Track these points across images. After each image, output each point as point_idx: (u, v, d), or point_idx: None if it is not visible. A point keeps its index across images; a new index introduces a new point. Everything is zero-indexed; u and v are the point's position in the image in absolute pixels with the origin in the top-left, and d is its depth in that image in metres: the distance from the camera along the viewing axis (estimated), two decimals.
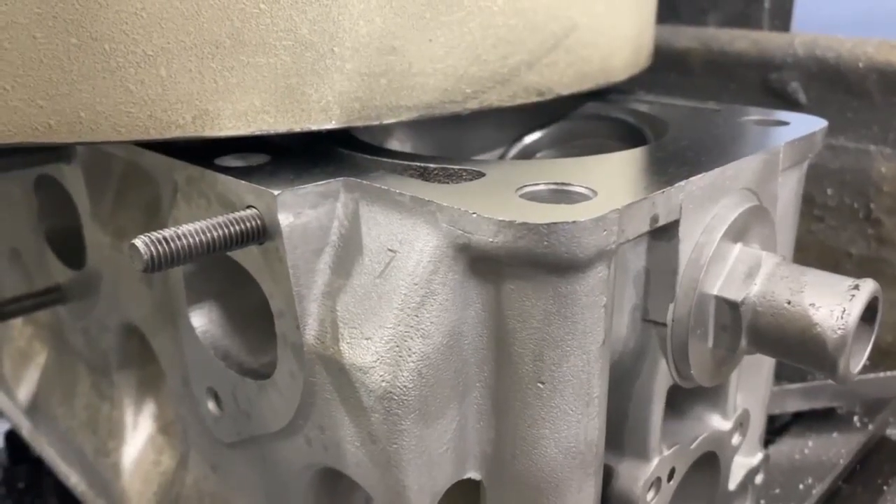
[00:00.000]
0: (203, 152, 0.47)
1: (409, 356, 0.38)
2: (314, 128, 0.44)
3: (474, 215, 0.36)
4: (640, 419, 0.47)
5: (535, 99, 0.54)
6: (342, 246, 0.42)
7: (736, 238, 0.46)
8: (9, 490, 1.14)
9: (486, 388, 0.41)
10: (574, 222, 0.35)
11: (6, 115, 0.42)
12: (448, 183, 0.42)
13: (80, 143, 0.43)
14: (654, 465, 0.48)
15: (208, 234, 0.40)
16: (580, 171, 0.43)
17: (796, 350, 0.43)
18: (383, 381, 0.39)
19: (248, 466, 0.52)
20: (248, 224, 0.41)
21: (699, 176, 0.42)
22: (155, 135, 0.43)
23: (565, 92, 0.55)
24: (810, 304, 0.42)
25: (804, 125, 0.54)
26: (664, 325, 0.44)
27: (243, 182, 0.42)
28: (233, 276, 0.51)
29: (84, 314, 0.65)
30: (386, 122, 0.46)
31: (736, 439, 0.57)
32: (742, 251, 0.46)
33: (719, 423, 0.55)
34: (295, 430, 0.46)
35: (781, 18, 1.07)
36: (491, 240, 0.36)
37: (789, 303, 0.43)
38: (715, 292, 0.45)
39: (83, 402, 0.70)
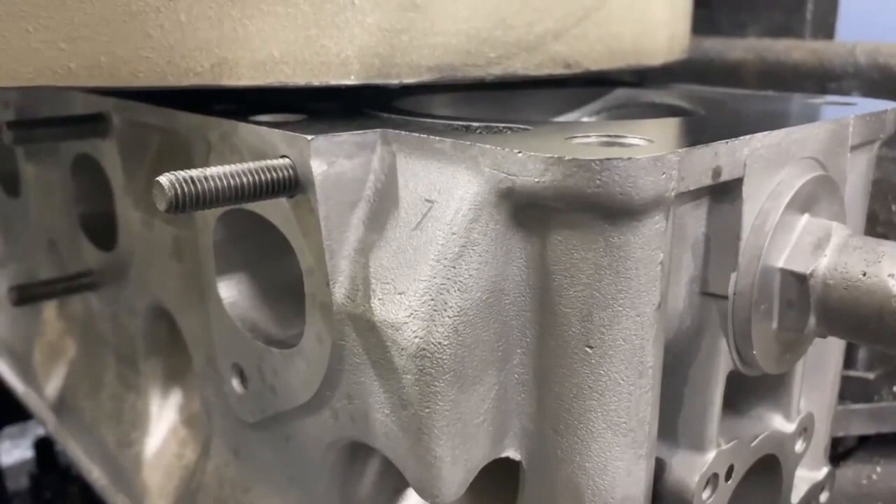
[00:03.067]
0: (238, 115, 0.45)
1: (445, 310, 0.35)
2: (333, 82, 0.43)
3: (520, 154, 0.34)
4: (696, 406, 0.43)
5: (562, 71, 0.52)
6: (377, 201, 0.40)
7: (803, 208, 0.42)
8: (35, 499, 1.12)
9: (528, 353, 0.37)
10: (630, 159, 0.32)
11: (27, 56, 0.41)
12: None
13: (98, 87, 0.43)
14: (711, 458, 0.44)
15: (237, 179, 0.37)
16: (635, 128, 0.40)
17: (873, 327, 0.39)
18: (416, 336, 0.36)
19: (271, 449, 0.49)
20: (279, 173, 0.39)
21: (764, 134, 0.39)
22: (173, 81, 0.42)
23: (594, 67, 0.54)
24: (889, 275, 0.38)
25: (874, 105, 0.51)
26: (725, 298, 0.40)
27: (276, 130, 0.39)
28: (263, 246, 0.49)
29: (114, 298, 0.63)
30: (407, 81, 0.45)
31: (799, 446, 0.52)
32: (809, 221, 0.42)
33: (781, 423, 0.50)
34: (321, 403, 0.43)
35: (824, 30, 1.03)
36: (537, 180, 0.33)
37: (864, 274, 0.39)
38: (780, 265, 0.41)
39: (109, 392, 0.68)
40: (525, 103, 0.63)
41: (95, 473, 0.67)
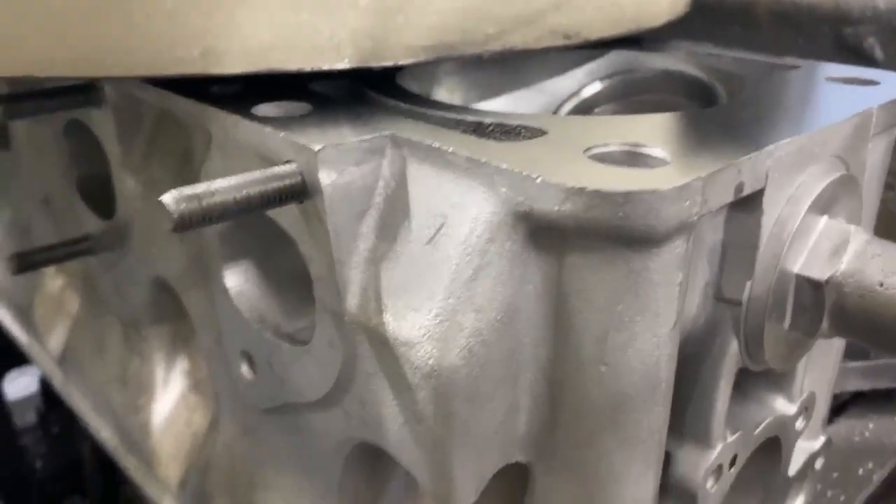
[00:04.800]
0: (238, 101, 0.44)
1: (460, 332, 0.35)
2: (325, 67, 0.42)
3: (539, 180, 0.32)
4: (704, 403, 0.43)
5: (561, 42, 0.50)
6: (387, 208, 0.38)
7: (822, 210, 0.41)
8: (44, 433, 1.15)
9: (541, 369, 0.37)
10: (654, 191, 0.31)
11: (10, 47, 0.40)
12: (506, 141, 0.38)
13: (83, 77, 0.42)
14: (716, 452, 0.44)
15: (244, 192, 0.36)
16: (654, 131, 0.39)
17: (889, 337, 0.39)
18: (430, 357, 0.35)
19: (282, 433, 0.50)
20: (287, 181, 0.37)
21: (788, 140, 0.38)
22: (160, 71, 0.41)
23: (594, 36, 0.52)
24: None
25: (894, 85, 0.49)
26: (739, 303, 0.40)
27: (282, 134, 0.38)
28: (270, 233, 0.48)
29: (113, 265, 0.63)
30: (402, 62, 0.43)
31: (800, 424, 0.53)
32: (828, 225, 0.41)
33: (784, 406, 0.51)
34: (333, 402, 0.43)
35: None
36: (557, 208, 0.32)
37: (882, 285, 0.39)
38: (796, 270, 0.40)
39: (114, 355, 0.68)
40: (532, 66, 0.61)
41: (105, 433, 0.68)
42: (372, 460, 0.46)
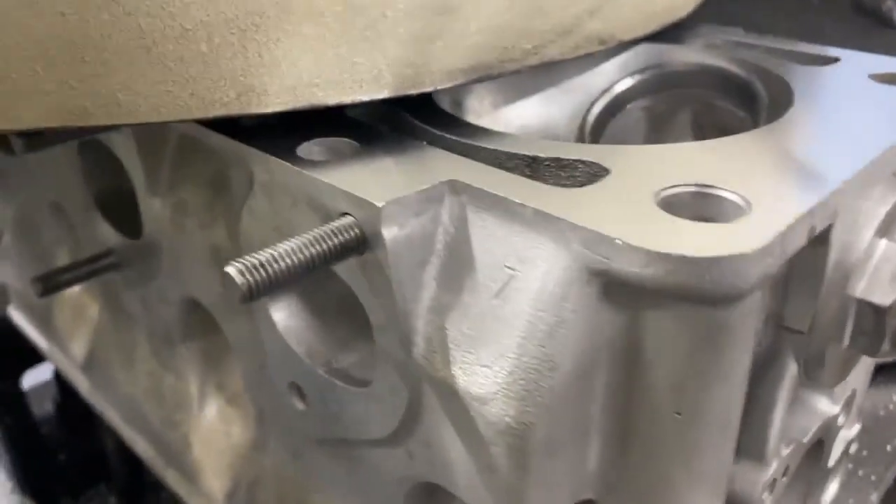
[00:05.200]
0: (275, 136, 0.42)
1: (537, 390, 0.35)
2: (365, 98, 0.41)
3: (618, 242, 0.32)
4: (762, 424, 0.44)
5: (596, 48, 0.49)
6: (448, 256, 0.38)
7: (882, 232, 0.41)
8: (63, 423, 1.15)
9: (614, 416, 0.37)
10: (741, 255, 0.31)
11: (39, 99, 0.38)
12: (567, 183, 0.37)
13: (118, 125, 0.40)
14: (772, 468, 0.45)
15: (307, 252, 0.35)
16: (720, 165, 0.38)
17: None
18: (506, 415, 0.35)
19: (336, 462, 0.50)
20: (346, 236, 0.36)
21: (856, 173, 0.37)
22: (198, 114, 0.40)
23: (628, 37, 0.52)
24: None
25: None
26: (802, 332, 0.40)
27: (340, 189, 0.37)
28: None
29: (141, 283, 0.62)
30: (441, 87, 0.42)
31: (841, 420, 0.54)
32: (888, 248, 0.41)
33: (828, 407, 0.51)
34: (395, 443, 0.43)
35: None
36: (639, 271, 0.32)
37: None
38: (858, 294, 0.40)
39: (145, 368, 0.67)
40: (562, 65, 0.59)
41: (141, 446, 0.68)
42: (433, 496, 0.46)
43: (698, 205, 0.35)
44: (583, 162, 0.39)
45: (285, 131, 0.43)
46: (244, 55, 0.39)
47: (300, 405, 0.49)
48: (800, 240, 0.34)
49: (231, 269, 0.33)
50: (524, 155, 0.40)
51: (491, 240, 0.36)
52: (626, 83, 0.59)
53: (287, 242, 0.35)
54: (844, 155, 0.38)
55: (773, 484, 0.46)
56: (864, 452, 0.67)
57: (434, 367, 0.37)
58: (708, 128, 0.59)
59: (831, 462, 0.57)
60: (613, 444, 0.38)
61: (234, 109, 0.40)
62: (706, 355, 0.34)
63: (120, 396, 0.71)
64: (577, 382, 0.35)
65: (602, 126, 0.59)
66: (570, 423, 0.36)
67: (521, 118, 0.58)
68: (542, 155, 0.40)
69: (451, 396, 0.37)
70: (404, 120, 0.45)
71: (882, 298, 0.40)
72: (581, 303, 0.34)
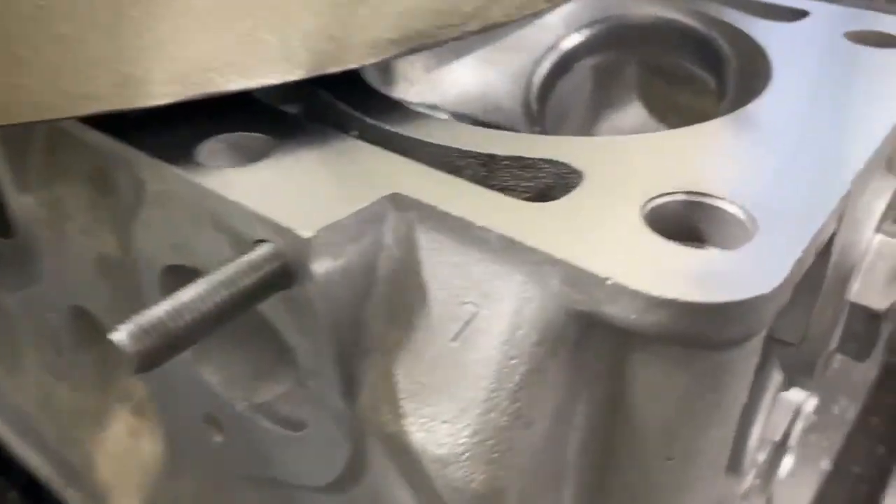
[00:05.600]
0: (168, 130, 0.34)
1: (509, 451, 0.29)
2: (275, 82, 0.33)
3: (609, 283, 0.26)
4: (742, 439, 0.40)
5: (543, 6, 0.42)
6: (395, 285, 0.31)
7: (877, 228, 0.36)
8: None
9: (594, 462, 0.32)
10: (757, 297, 0.25)
11: None
12: (531, 186, 0.31)
13: None
14: (750, 478, 0.41)
15: (217, 299, 0.28)
16: (711, 164, 0.32)
17: None
18: (473, 481, 0.29)
19: (267, 498, 0.43)
20: (266, 269, 0.29)
21: (857, 174, 0.32)
22: (68, 111, 0.31)
23: None
24: None
25: None
26: (794, 345, 0.36)
27: (254, 212, 0.29)
28: None
29: (20, 287, 0.52)
30: (368, 62, 0.35)
31: (807, 403, 0.51)
32: (883, 244, 0.36)
33: (798, 396, 0.48)
34: (336, 490, 0.37)
35: None
36: (635, 318, 0.26)
37: None
38: (851, 297, 0.36)
39: (33, 379, 0.58)
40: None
41: (35, 462, 0.60)
42: None
43: (694, 218, 0.30)
44: (548, 161, 0.33)
45: (182, 125, 0.35)
46: (118, 37, 0.31)
47: (219, 437, 0.42)
48: (810, 258, 0.29)
49: (119, 336, 0.26)
50: (477, 153, 0.33)
51: (446, 268, 0.30)
52: (575, 39, 0.52)
53: (190, 289, 0.28)
54: (847, 146, 0.33)
55: (748, 490, 0.42)
56: (814, 417, 0.65)
57: (381, 421, 0.31)
58: (663, 88, 0.53)
59: (793, 442, 0.54)
60: (592, 491, 0.33)
61: (113, 104, 0.32)
62: (703, 398, 0.29)
63: (7, 407, 0.62)
64: (553, 436, 0.30)
65: (549, 89, 0.52)
66: (545, 478, 0.31)
67: (457, 84, 0.51)
68: (499, 153, 0.33)
69: (406, 455, 0.31)
70: (329, 105, 0.38)
71: (878, 302, 0.36)
72: (559, 348, 0.28)
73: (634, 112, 0.60)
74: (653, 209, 0.29)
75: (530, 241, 0.27)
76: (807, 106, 0.37)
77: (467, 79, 0.51)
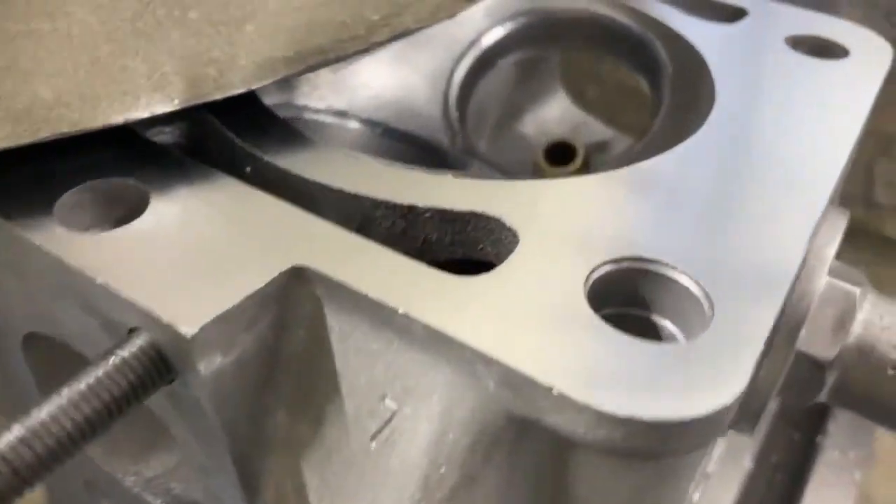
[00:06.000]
0: (22, 170, 0.28)
1: None
2: (144, 115, 0.28)
3: (556, 393, 0.22)
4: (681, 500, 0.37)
5: (462, 8, 0.38)
6: (301, 372, 0.26)
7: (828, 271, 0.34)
8: None
9: None
10: (721, 409, 0.22)
11: None
12: (457, 240, 0.27)
13: None
14: None
15: (87, 409, 0.23)
16: (651, 219, 0.28)
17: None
18: None
19: None
20: (143, 361, 0.24)
21: (817, 221, 0.29)
22: None
23: None
24: None
25: (864, 58, 0.40)
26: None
27: (125, 300, 0.24)
28: None
29: None
30: (257, 85, 0.30)
31: None
32: (830, 287, 0.34)
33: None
34: None
35: None
36: (584, 432, 0.22)
37: (895, 368, 0.33)
38: (797, 346, 0.34)
39: None
40: None
41: None
42: None
43: (642, 286, 0.26)
44: (476, 216, 0.28)
45: (39, 170, 0.29)
46: None
47: (105, 502, 0.37)
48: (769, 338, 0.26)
49: None
50: (390, 203, 0.29)
51: (362, 356, 0.25)
52: (497, 34, 0.47)
53: (53, 400, 0.22)
54: (801, 192, 0.30)
55: None
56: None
57: None
58: (585, 63, 0.49)
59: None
60: None
61: None
62: (654, 493, 0.26)
63: None
64: None
65: (470, 89, 0.47)
66: None
67: (368, 87, 0.45)
68: (420, 204, 0.29)
69: None
70: (214, 133, 0.32)
71: (823, 352, 0.33)
72: (495, 454, 0.25)
73: (557, 103, 0.57)
74: (596, 282, 0.26)
75: (461, 334, 0.23)
76: (753, 139, 0.33)
77: (379, 81, 0.45)
